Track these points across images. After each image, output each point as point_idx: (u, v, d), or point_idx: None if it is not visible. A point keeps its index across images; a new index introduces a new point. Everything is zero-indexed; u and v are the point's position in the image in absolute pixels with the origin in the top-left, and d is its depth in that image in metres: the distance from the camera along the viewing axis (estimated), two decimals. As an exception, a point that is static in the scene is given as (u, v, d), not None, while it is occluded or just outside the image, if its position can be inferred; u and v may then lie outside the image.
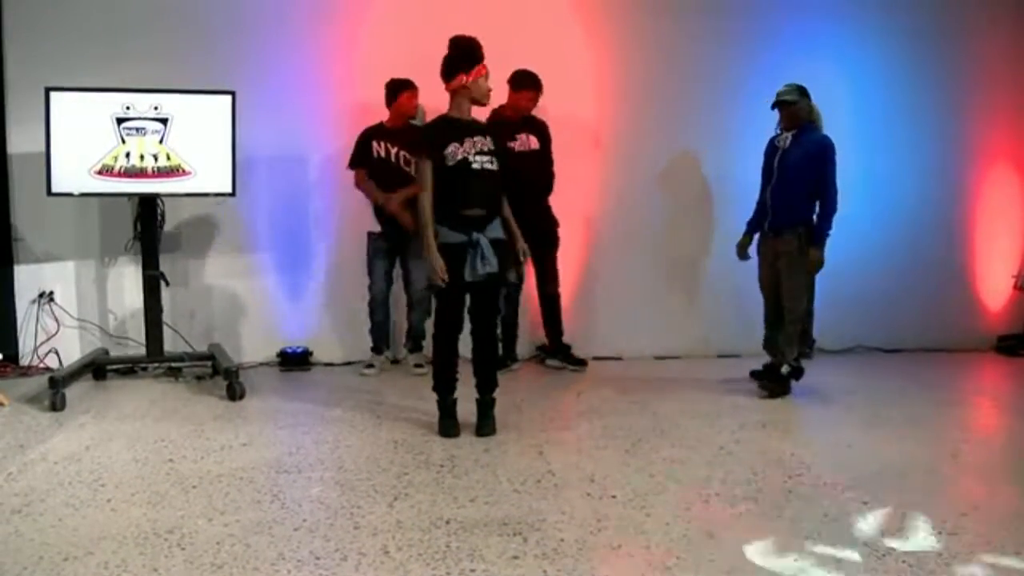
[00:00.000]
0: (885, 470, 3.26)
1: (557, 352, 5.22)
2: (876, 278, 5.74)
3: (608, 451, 3.51)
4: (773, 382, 4.51)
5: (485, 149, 3.59)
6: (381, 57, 5.24)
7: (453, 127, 3.59)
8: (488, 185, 3.60)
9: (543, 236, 5.01)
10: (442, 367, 3.71)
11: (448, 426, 3.69)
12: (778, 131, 4.52)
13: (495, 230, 3.63)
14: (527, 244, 5.05)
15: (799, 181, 4.36)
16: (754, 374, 4.75)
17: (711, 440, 3.68)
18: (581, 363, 5.18)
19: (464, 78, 3.56)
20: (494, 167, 3.61)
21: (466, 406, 3.78)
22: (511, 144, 4.84)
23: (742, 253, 4.67)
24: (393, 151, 4.93)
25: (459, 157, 3.52)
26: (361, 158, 4.98)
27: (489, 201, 3.62)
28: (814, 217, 4.37)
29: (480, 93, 3.62)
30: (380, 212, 4.97)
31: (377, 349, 5.14)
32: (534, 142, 4.98)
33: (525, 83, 4.88)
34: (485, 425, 3.72)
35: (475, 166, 3.54)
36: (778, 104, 4.39)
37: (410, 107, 4.93)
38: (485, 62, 3.59)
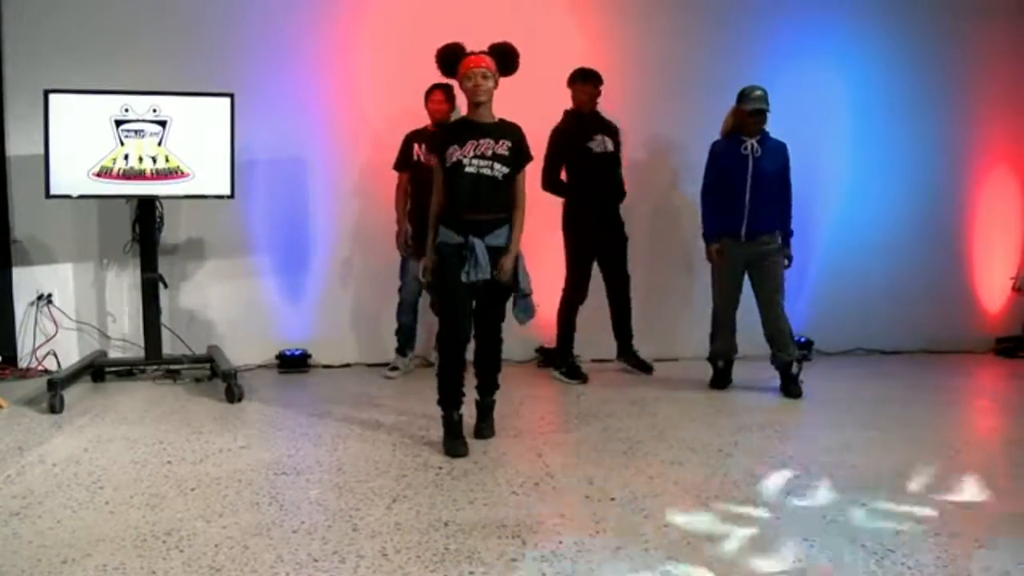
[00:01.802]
0: (884, 472, 3.26)
1: (624, 354, 5.22)
2: (875, 280, 5.76)
3: (607, 453, 3.51)
4: (791, 382, 4.56)
5: (489, 153, 3.45)
6: (380, 60, 5.25)
7: (460, 129, 3.54)
8: (481, 190, 3.45)
9: (614, 241, 5.07)
10: (447, 381, 3.55)
11: (454, 446, 3.47)
12: (725, 134, 4.59)
13: (498, 237, 3.51)
14: (600, 247, 5.05)
15: (775, 186, 4.53)
16: (715, 384, 4.78)
17: (709, 442, 3.68)
18: (648, 368, 5.18)
19: (457, 83, 3.54)
20: (493, 172, 3.45)
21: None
22: (589, 144, 4.91)
23: (716, 260, 4.69)
24: None
25: (453, 159, 3.45)
26: (403, 161, 4.96)
27: (482, 206, 3.47)
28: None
29: (466, 92, 3.50)
30: (413, 217, 4.92)
31: (402, 351, 5.13)
32: (610, 145, 4.99)
33: (580, 78, 4.92)
34: (484, 428, 3.72)
35: (468, 169, 3.43)
36: (759, 112, 4.45)
37: (438, 110, 4.84)
38: (472, 57, 3.44)
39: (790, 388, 4.56)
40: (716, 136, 5.63)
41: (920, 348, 5.92)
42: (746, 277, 4.62)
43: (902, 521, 2.75)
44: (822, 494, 3.02)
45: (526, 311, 3.62)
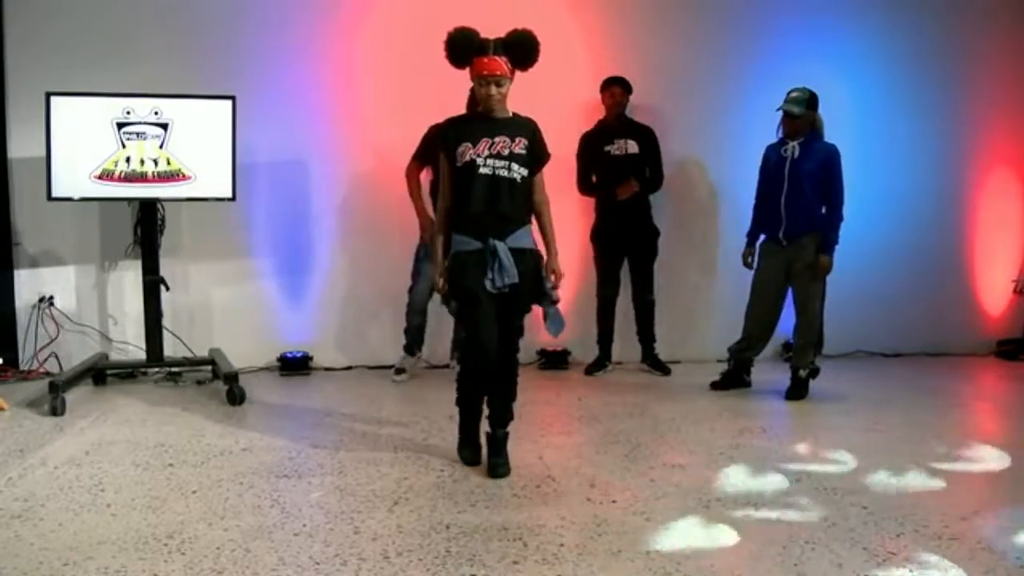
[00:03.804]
0: (885, 474, 3.25)
1: (645, 358, 5.32)
2: (877, 282, 5.76)
3: (608, 456, 3.51)
4: (794, 386, 4.58)
5: (505, 152, 3.15)
6: (382, 62, 5.25)
7: (471, 125, 3.23)
8: (498, 192, 3.15)
9: (640, 244, 5.16)
10: (468, 387, 3.31)
11: (470, 455, 3.34)
12: (779, 137, 4.56)
13: (519, 239, 3.20)
14: (626, 248, 5.14)
15: (813, 189, 4.45)
16: (715, 385, 4.80)
17: (711, 445, 3.68)
18: (667, 370, 5.28)
19: (470, 75, 3.17)
20: (510, 174, 3.15)
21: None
22: (607, 148, 5.10)
23: (748, 263, 4.72)
24: None
25: (466, 159, 3.15)
26: (426, 156, 4.76)
27: (499, 209, 3.16)
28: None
29: (478, 97, 3.19)
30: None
31: (410, 350, 5.09)
32: (632, 147, 5.12)
33: (602, 85, 5.15)
34: (499, 465, 3.23)
35: (483, 170, 3.13)
36: (785, 114, 4.46)
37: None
38: (487, 61, 3.09)
39: (791, 391, 4.57)
40: (717, 139, 5.66)
41: (921, 351, 5.92)
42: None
43: (904, 523, 2.75)
44: (823, 496, 3.01)
45: (556, 322, 3.34)
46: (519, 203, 3.21)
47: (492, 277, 3.12)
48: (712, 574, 2.38)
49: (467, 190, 3.17)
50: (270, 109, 5.16)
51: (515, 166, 3.17)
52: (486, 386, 3.28)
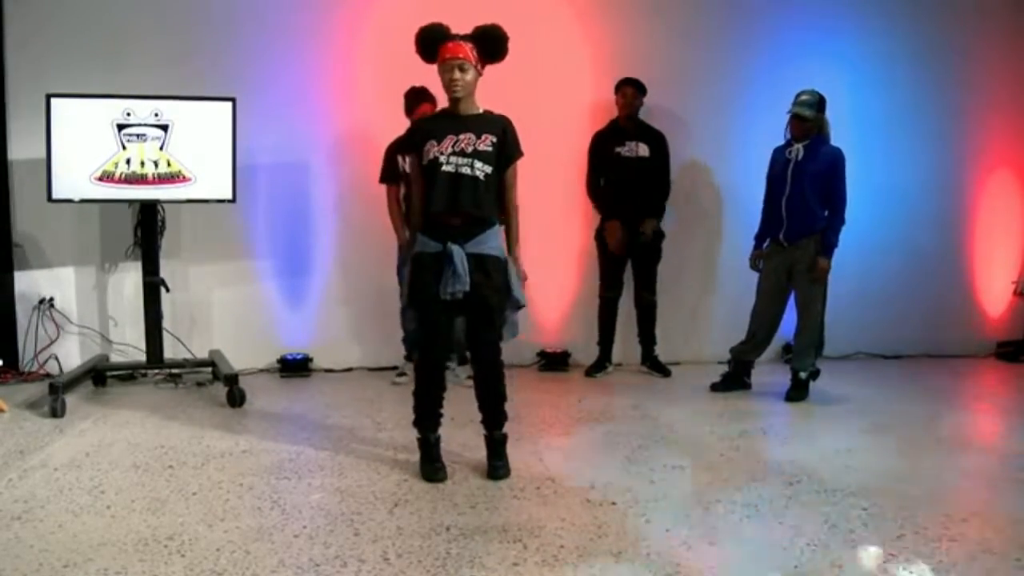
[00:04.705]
0: (886, 476, 3.26)
1: (645, 360, 5.33)
2: (877, 284, 5.77)
3: (608, 457, 3.51)
4: (794, 387, 4.59)
5: (469, 150, 3.09)
6: (382, 63, 5.25)
7: (438, 123, 3.19)
8: (459, 191, 3.08)
9: (644, 246, 5.14)
10: (422, 403, 3.24)
11: (431, 470, 3.20)
12: (787, 139, 4.57)
13: (481, 244, 3.13)
14: (630, 250, 5.12)
15: (815, 191, 4.45)
16: (715, 386, 4.80)
17: (711, 446, 3.68)
18: (667, 372, 5.27)
19: (438, 68, 3.13)
20: (473, 172, 3.08)
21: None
22: (618, 150, 5.08)
23: (756, 265, 4.72)
24: None
25: (430, 156, 3.10)
26: (389, 174, 4.82)
27: (460, 209, 3.09)
28: None
29: (443, 86, 3.12)
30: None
31: (410, 358, 5.03)
32: (643, 150, 5.11)
33: (616, 86, 5.14)
34: (499, 468, 3.23)
35: (446, 168, 3.07)
36: (794, 116, 4.46)
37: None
38: (450, 45, 3.07)
39: (791, 393, 4.58)
40: (721, 140, 5.66)
41: (921, 352, 5.92)
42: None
43: (904, 525, 2.75)
44: (823, 498, 3.01)
45: (510, 328, 3.27)
46: (482, 202, 3.13)
47: (446, 283, 3.07)
48: (712, 576, 2.39)
49: (430, 188, 3.12)
50: (270, 110, 5.16)
51: (478, 163, 3.10)
52: (440, 399, 3.26)
